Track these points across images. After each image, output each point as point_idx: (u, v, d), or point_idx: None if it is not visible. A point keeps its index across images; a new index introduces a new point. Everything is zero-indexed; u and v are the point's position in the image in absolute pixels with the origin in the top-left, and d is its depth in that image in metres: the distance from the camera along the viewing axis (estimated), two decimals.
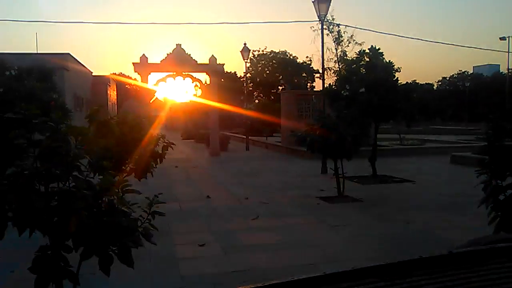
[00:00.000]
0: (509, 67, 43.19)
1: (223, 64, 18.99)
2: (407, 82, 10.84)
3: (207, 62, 18.76)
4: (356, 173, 11.09)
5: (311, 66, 48.94)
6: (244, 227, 6.79)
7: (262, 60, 50.15)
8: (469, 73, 61.52)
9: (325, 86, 13.65)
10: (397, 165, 13.86)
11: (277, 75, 49.08)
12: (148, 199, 3.45)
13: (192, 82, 19.02)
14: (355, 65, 11.28)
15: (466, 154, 15.20)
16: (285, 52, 50.50)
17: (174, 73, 18.36)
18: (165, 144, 7.83)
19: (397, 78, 10.72)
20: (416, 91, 10.78)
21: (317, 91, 19.71)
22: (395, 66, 11.03)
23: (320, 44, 12.94)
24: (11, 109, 8.10)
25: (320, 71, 48.50)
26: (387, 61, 10.95)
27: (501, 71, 58.33)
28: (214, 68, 18.68)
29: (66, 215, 2.89)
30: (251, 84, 49.61)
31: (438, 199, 8.71)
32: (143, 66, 17.96)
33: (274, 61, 49.48)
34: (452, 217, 7.22)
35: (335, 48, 18.87)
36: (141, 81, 18.19)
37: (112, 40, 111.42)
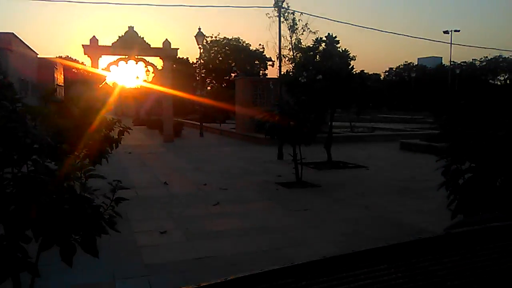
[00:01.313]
0: (451, 60, 45.26)
1: (177, 49, 18.58)
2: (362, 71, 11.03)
3: (161, 46, 18.28)
4: (311, 159, 11.23)
5: (263, 53, 49.03)
6: (205, 214, 6.70)
7: (215, 47, 49.67)
8: (414, 64, 63.94)
9: (282, 73, 13.70)
10: (350, 152, 14.19)
11: (230, 61, 48.80)
12: (110, 185, 3.30)
13: (145, 66, 18.50)
14: (311, 53, 11.35)
15: (414, 141, 15.81)
16: (238, 39, 50.29)
17: (126, 56, 17.76)
18: (121, 129, 7.58)
19: (353, 66, 10.91)
20: (370, 80, 10.98)
21: (273, 78, 19.73)
22: (350, 54, 11.21)
23: (276, 31, 13.00)
24: None
25: (273, 59, 48.70)
26: (343, 49, 11.11)
27: (443, 63, 61.05)
28: (167, 52, 18.24)
29: (25, 203, 2.70)
30: (204, 70, 48.97)
31: (392, 184, 9.00)
32: (93, 48, 17.24)
33: (227, 48, 49.14)
34: (407, 201, 7.47)
35: (290, 36, 18.85)
36: (92, 65, 17.46)
37: (59, 20, 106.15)
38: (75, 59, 58.14)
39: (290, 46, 19.40)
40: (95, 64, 17.49)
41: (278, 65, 12.83)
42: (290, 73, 11.52)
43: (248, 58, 48.65)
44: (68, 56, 60.54)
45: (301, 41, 18.45)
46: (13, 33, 19.31)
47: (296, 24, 19.02)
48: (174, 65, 34.22)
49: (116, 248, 4.84)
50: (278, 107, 8.50)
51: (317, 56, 11.04)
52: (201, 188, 8.68)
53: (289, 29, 19.65)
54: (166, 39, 18.28)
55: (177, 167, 11.78)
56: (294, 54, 18.85)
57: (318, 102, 9.27)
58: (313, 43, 11.17)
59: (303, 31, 18.81)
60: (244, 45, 50.04)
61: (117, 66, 17.86)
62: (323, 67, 10.45)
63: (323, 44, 11.01)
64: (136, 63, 18.11)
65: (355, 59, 10.92)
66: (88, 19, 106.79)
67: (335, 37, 10.91)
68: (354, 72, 10.58)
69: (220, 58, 49.54)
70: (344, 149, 14.46)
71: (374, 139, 19.53)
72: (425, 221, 6.19)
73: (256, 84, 19.59)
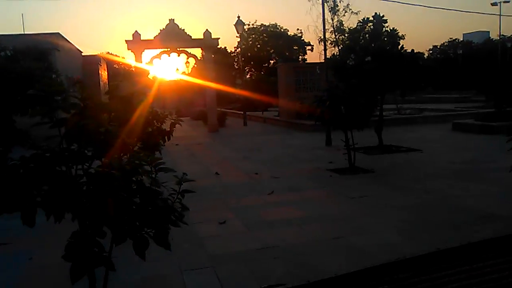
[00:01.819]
0: (501, 33, 43.00)
1: (218, 39, 18.55)
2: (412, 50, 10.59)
3: (201, 37, 18.32)
4: (361, 144, 10.95)
5: (302, 38, 48.38)
6: (261, 203, 6.64)
7: (253, 34, 49.37)
8: (459, 40, 61.19)
9: (327, 57, 13.40)
10: (399, 135, 13.76)
11: (268, 48, 48.42)
12: (176, 177, 3.27)
13: (187, 58, 18.60)
14: (358, 34, 10.99)
15: (468, 121, 15.14)
16: (276, 25, 49.75)
17: (168, 49, 17.92)
18: (173, 121, 7.69)
19: (402, 45, 10.49)
20: (421, 59, 10.54)
21: (317, 62, 19.37)
22: (398, 33, 10.78)
23: (317, 14, 12.94)
24: (8, 90, 7.73)
25: (312, 44, 47.98)
26: (391, 28, 10.70)
27: (491, 38, 58.11)
28: (208, 43, 18.26)
29: (102, 199, 2.69)
30: (242, 59, 48.94)
31: (450, 167, 8.62)
32: (136, 43, 17.50)
33: (264, 35, 48.74)
34: (470, 185, 7.12)
35: (331, 18, 18.41)
36: (135, 59, 17.74)
37: (97, 17, 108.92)
38: (116, 55, 59.56)
39: (332, 29, 18.95)
40: (138, 58, 17.75)
41: (323, 49, 12.53)
42: (337, 56, 11.22)
43: (287, 43, 48.09)
44: (108, 52, 62.08)
45: (343, 23, 18.01)
46: (59, 33, 19.84)
47: (337, 6, 18.57)
48: (213, 55, 34.36)
49: (179, 240, 4.86)
50: (328, 91, 8.28)
51: (365, 36, 10.65)
52: (253, 177, 8.64)
53: (330, 11, 19.16)
54: (207, 30, 18.30)
55: (225, 156, 11.80)
56: (337, 36, 18.41)
57: (368, 85, 8.97)
58: (359, 23, 10.78)
59: (345, 12, 18.32)
60: (282, 30, 49.47)
61: (160, 59, 18.06)
62: (371, 48, 10.10)
63: (369, 24, 10.60)
64: (178, 56, 18.26)
65: (404, 38, 10.45)
66: (126, 14, 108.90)
67: (383, 16, 10.52)
68: (405, 51, 10.17)
69: (258, 46, 49.23)
70: (392, 132, 14.02)
71: (423, 120, 18.89)
72: (492, 205, 5.87)
73: (299, 69, 19.34)
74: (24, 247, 5.03)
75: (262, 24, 50.05)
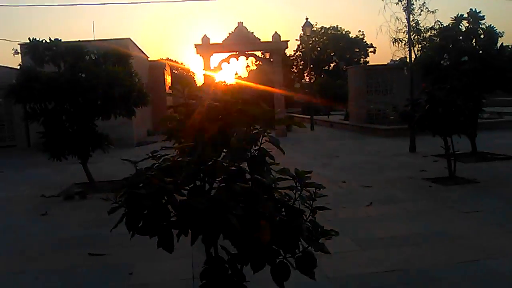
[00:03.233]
0: None
1: (287, 41, 18.15)
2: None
3: (269, 39, 17.98)
4: (441, 152, 10.14)
5: (364, 40, 47.12)
6: (362, 216, 6.08)
7: (313, 37, 48.67)
8: None
9: (401, 58, 12.59)
10: (486, 141, 12.65)
11: (328, 51, 47.56)
12: (308, 192, 2.83)
13: (256, 62, 18.33)
14: (450, 32, 10.14)
15: None
16: (337, 27, 48.79)
17: (237, 52, 17.73)
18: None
19: (502, 43, 9.56)
20: None
21: (384, 64, 18.49)
22: (496, 30, 9.84)
23: (391, 14, 12.16)
24: (95, 95, 7.58)
25: (374, 46, 46.50)
26: (487, 25, 9.78)
27: None
28: (277, 45, 17.89)
29: (252, 220, 2.26)
30: (302, 62, 48.43)
31: None
32: (205, 47, 17.44)
33: (325, 37, 47.93)
34: None
35: (406, 18, 17.42)
36: (204, 63, 17.69)
37: (156, 24, 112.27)
38: (174, 60, 60.87)
39: (406, 29, 17.92)
40: (207, 62, 17.68)
41: (408, 49, 11.75)
42: (419, 55, 10.43)
43: (348, 46, 47.02)
44: (168, 58, 63.60)
45: (419, 22, 16.99)
46: (129, 39, 20.21)
47: (413, 4, 17.56)
48: (271, 59, 34.07)
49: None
50: (428, 94, 7.57)
51: (458, 35, 9.81)
52: (341, 186, 8.08)
53: (404, 10, 18.08)
54: (276, 32, 17.93)
55: (302, 162, 11.28)
56: (412, 36, 17.42)
57: (468, 86, 8.16)
58: (452, 21, 9.93)
59: (421, 11, 17.26)
60: (343, 32, 48.44)
61: (228, 63, 17.91)
62: (467, 47, 9.25)
63: (464, 22, 9.74)
64: (247, 59, 18.03)
65: (502, 35, 9.45)
66: (182, 20, 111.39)
67: (479, 12, 9.62)
68: (506, 48, 9.24)
69: (318, 49, 48.49)
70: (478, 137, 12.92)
71: (507, 125, 17.49)
72: None
73: (371, 72, 18.52)
74: (124, 259, 4.77)
75: (322, 26, 49.26)
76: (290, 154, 13.39)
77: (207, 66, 17.51)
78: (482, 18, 9.69)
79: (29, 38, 8.25)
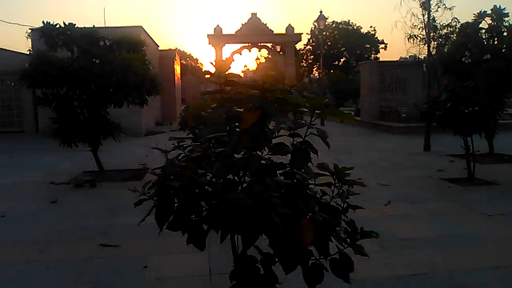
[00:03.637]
0: None
1: (301, 34, 17.91)
2: None
3: (283, 31, 17.74)
4: (456, 151, 9.97)
5: (376, 36, 46.64)
6: (381, 215, 5.89)
7: (324, 31, 48.17)
8: None
9: (421, 55, 12.33)
10: (503, 142, 12.38)
11: (339, 46, 47.12)
12: (339, 189, 2.66)
13: (268, 54, 18.10)
14: (469, 29, 9.87)
15: None
16: (348, 22, 48.31)
17: (249, 44, 17.51)
18: None
19: None
20: None
21: (396, 61, 18.20)
22: None
23: (407, 9, 11.95)
24: (108, 81, 7.37)
25: (385, 42, 45.97)
26: (511, 23, 9.51)
27: None
28: (291, 38, 17.65)
29: (293, 219, 2.08)
30: (312, 56, 48.05)
31: None
32: (217, 37, 17.24)
33: (336, 32, 47.47)
34: None
35: (422, 14, 17.16)
36: (215, 54, 17.48)
37: (163, 13, 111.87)
38: (183, 51, 60.57)
39: (422, 25, 17.69)
40: (218, 53, 17.48)
41: (427, 45, 11.49)
42: (442, 52, 10.21)
43: (359, 41, 46.56)
44: (176, 48, 63.30)
45: (436, 19, 16.71)
46: (141, 26, 20.02)
47: (430, 0, 17.25)
48: (281, 52, 33.78)
49: None
50: (450, 92, 7.34)
51: (480, 32, 9.55)
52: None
53: (420, 7, 17.76)
54: (289, 24, 17.69)
55: (315, 159, 11.09)
56: (428, 33, 17.18)
57: (491, 85, 7.92)
58: (474, 18, 9.66)
59: (438, 7, 16.96)
60: (355, 28, 47.96)
61: (241, 54, 17.70)
62: (490, 45, 8.99)
63: (487, 19, 9.46)
64: (259, 51, 17.81)
65: None
66: (189, 9, 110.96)
67: (504, 9, 9.34)
68: None
69: (329, 43, 48.03)
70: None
71: None
72: None
73: (384, 68, 18.25)
74: (137, 252, 4.62)
75: (333, 21, 48.79)
76: None
77: (219, 57, 17.31)
78: (507, 15, 9.41)
79: (43, 22, 8.09)
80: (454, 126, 7.28)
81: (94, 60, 7.99)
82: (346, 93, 24.87)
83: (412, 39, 18.34)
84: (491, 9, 9.56)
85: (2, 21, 65.50)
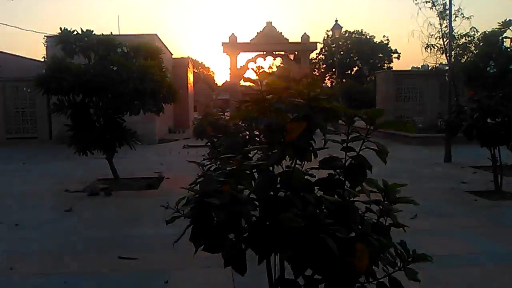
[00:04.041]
0: None
1: (316, 43, 17.75)
2: None
3: (298, 40, 17.60)
4: (478, 163, 9.71)
5: (388, 45, 46.36)
6: (410, 229, 5.62)
7: (339, 41, 47.99)
8: None
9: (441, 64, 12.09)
10: None
11: (351, 55, 46.87)
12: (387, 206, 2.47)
13: (280, 63, 17.97)
14: (493, 38, 9.63)
15: None
16: (361, 31, 48.09)
17: (264, 52, 17.39)
18: None
19: None
20: None
21: (409, 70, 17.96)
22: None
23: (424, 18, 11.85)
24: (126, 89, 7.18)
25: (398, 51, 45.66)
26: None
27: None
28: (306, 46, 17.50)
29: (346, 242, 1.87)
30: (324, 66, 47.86)
31: None
32: (232, 46, 17.14)
33: (349, 41, 47.25)
34: None
35: (439, 23, 16.97)
36: (230, 62, 17.38)
37: (176, 22, 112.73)
38: (195, 59, 60.78)
39: (439, 35, 17.53)
40: (233, 61, 17.38)
41: (448, 54, 11.24)
42: (466, 62, 9.96)
43: (372, 50, 46.29)
44: (188, 57, 63.58)
45: (454, 28, 16.49)
46: (156, 34, 20.01)
47: (447, 10, 17.03)
48: (294, 60, 33.67)
49: None
50: (476, 102, 7.10)
51: (501, 41, 9.30)
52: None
53: (438, 16, 17.58)
54: (305, 33, 17.55)
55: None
56: (445, 43, 17.02)
57: None
58: (499, 26, 9.42)
59: (456, 17, 16.73)
60: (368, 37, 47.74)
61: (255, 62, 17.57)
62: None
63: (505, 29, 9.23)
64: (274, 59, 17.68)
65: None
66: (202, 18, 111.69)
67: None
68: None
69: (342, 52, 47.81)
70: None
71: None
72: None
73: (401, 77, 17.99)
74: (157, 265, 4.43)
75: (346, 30, 48.58)
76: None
77: (233, 65, 17.19)
78: None
79: (60, 28, 8.02)
80: (482, 137, 7.02)
81: (111, 67, 7.87)
82: (361, 102, 24.58)
83: (429, 48, 18.12)
84: None
85: (18, 28, 66.33)
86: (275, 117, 2.13)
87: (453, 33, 16.93)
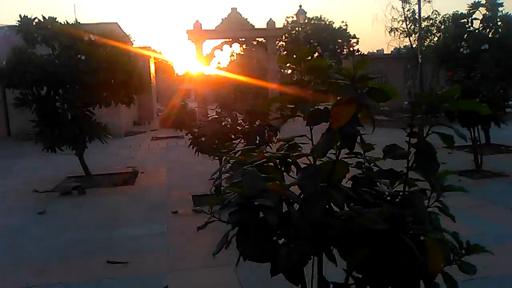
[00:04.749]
0: None
1: (282, 29, 17.47)
2: None
3: (264, 26, 17.29)
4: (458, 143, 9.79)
5: (347, 31, 46.75)
6: None
7: (296, 27, 47.97)
8: None
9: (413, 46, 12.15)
10: (495, 133, 12.36)
11: (312, 41, 46.97)
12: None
13: (242, 50, 17.63)
14: (464, 20, 9.70)
15: None
16: (320, 17, 48.19)
17: (230, 39, 16.98)
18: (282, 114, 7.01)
19: None
20: None
21: (385, 54, 18.15)
22: None
23: (386, 3, 11.79)
24: (95, 79, 6.74)
25: (358, 36, 46.08)
26: (505, 13, 9.40)
27: None
28: (272, 33, 17.22)
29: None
30: (285, 52, 47.74)
31: None
32: (197, 33, 16.62)
33: (308, 28, 47.27)
34: None
35: (402, 7, 17.23)
36: (196, 50, 16.87)
37: (130, 8, 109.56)
38: (153, 49, 59.30)
39: (402, 18, 17.86)
40: (199, 49, 16.89)
41: (419, 37, 11.28)
42: (438, 43, 10.01)
43: (331, 36, 46.56)
44: (150, 46, 61.97)
45: (415, 11, 16.77)
46: (116, 23, 19.24)
47: None
48: (254, 49, 33.35)
49: None
50: (457, 82, 7.11)
51: (472, 22, 9.40)
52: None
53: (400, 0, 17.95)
54: (270, 19, 17.23)
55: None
56: (409, 26, 17.31)
57: (498, 76, 7.73)
58: (468, 8, 9.47)
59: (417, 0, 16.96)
60: (327, 23, 47.95)
61: (222, 50, 17.16)
62: (486, 35, 8.83)
63: (483, 9, 9.31)
64: (240, 46, 17.32)
65: None
66: (161, 5, 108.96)
67: None
68: None
69: (302, 39, 47.83)
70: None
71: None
72: None
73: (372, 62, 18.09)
74: (151, 269, 4.12)
75: (306, 16, 48.56)
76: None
77: (199, 53, 16.72)
78: (501, 5, 9.28)
79: (20, 16, 7.39)
80: (463, 117, 7.04)
81: (79, 56, 7.35)
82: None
83: (393, 32, 18.32)
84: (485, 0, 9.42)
85: None
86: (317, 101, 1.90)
87: (415, 16, 17.21)
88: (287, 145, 2.37)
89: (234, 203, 1.63)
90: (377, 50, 42.43)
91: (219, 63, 44.77)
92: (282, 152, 2.21)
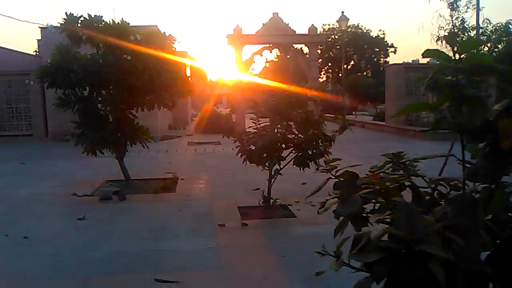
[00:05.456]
0: None
1: (325, 35, 17.01)
2: None
3: (306, 32, 16.84)
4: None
5: (385, 40, 45.81)
6: None
7: (332, 34, 47.34)
8: None
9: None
10: None
11: (348, 49, 46.18)
12: None
13: (276, 57, 17.21)
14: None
15: None
16: (358, 25, 47.42)
17: (270, 45, 16.61)
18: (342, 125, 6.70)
19: None
20: None
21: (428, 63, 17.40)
22: None
23: (436, 9, 11.08)
24: (140, 81, 6.35)
25: (395, 46, 45.20)
26: None
27: None
28: (314, 38, 16.74)
29: None
30: (320, 60, 47.08)
31: None
32: (237, 38, 16.33)
33: (345, 36, 46.51)
34: None
35: (450, 15, 16.46)
36: (235, 55, 16.57)
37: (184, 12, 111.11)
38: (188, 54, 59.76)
39: (450, 27, 17.06)
40: (238, 54, 16.58)
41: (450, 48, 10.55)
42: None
43: (369, 45, 45.71)
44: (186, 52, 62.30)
45: (465, 20, 16.02)
46: (156, 26, 19.17)
47: (459, 1, 16.54)
48: (288, 56, 32.86)
49: None
50: None
51: None
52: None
53: (448, 7, 17.16)
54: (312, 25, 16.78)
55: (361, 168, 10.16)
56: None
57: None
58: None
59: (467, 8, 16.22)
60: (364, 31, 47.13)
61: (261, 55, 16.81)
62: None
63: None
64: (280, 52, 16.91)
65: None
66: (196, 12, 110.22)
67: None
68: None
69: (338, 46, 47.14)
70: None
71: None
72: None
73: (410, 71, 17.36)
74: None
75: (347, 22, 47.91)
76: (338, 155, 12.28)
77: (238, 58, 16.40)
78: None
79: (65, 13, 7.17)
80: None
81: (125, 56, 7.07)
82: (365, 97, 24.01)
83: (440, 40, 17.56)
84: None
85: (11, 18, 64.43)
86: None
87: (465, 25, 16.44)
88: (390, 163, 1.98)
89: (381, 247, 1.17)
90: (412, 60, 41.34)
91: (253, 69, 44.54)
92: (395, 173, 1.79)
